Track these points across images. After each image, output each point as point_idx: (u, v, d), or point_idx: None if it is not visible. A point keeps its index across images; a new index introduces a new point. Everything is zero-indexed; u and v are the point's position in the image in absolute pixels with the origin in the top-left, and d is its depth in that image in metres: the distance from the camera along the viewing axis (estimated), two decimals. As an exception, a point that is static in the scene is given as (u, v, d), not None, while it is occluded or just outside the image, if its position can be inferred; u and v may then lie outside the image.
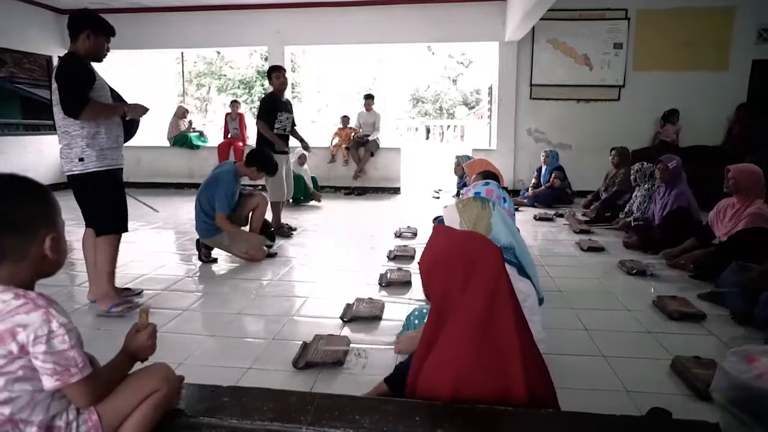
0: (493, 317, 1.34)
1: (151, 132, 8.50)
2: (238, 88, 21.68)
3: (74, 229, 4.87)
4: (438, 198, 7.92)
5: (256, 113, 5.38)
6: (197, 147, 8.89)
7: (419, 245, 4.54)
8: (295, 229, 5.37)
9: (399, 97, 28.91)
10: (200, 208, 4.06)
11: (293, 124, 5.37)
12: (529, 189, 7.42)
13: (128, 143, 3.19)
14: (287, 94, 5.38)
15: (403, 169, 8.71)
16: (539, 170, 7.45)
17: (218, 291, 3.48)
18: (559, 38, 7.82)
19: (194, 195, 4.24)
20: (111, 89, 3.05)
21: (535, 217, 6.10)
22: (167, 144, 8.94)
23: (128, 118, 3.06)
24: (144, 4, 8.20)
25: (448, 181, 8.81)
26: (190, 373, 1.65)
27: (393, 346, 2.47)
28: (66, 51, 2.92)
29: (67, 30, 2.95)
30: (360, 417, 1.39)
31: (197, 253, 4.19)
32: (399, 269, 3.76)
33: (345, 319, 2.86)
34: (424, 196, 8.22)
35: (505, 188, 2.57)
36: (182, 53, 11.96)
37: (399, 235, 5.06)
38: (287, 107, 5.21)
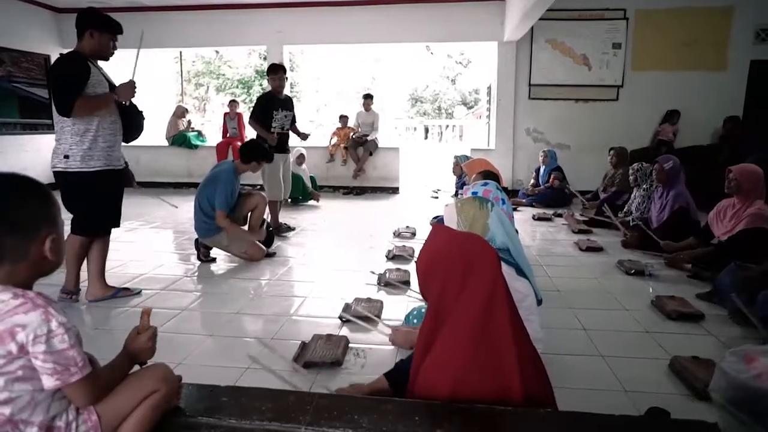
0: (490, 318, 1.34)
1: (150, 131, 8.49)
2: (237, 87, 21.67)
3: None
4: (437, 198, 7.92)
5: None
6: (196, 146, 8.89)
7: (418, 245, 4.53)
8: (293, 229, 5.36)
9: (398, 96, 28.92)
10: (199, 208, 4.05)
11: (293, 121, 5.35)
12: (528, 189, 7.42)
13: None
14: (287, 93, 5.36)
15: (401, 169, 8.71)
16: (538, 170, 7.45)
17: (217, 291, 3.47)
18: (558, 38, 7.83)
19: (193, 194, 4.24)
20: (113, 85, 3.01)
21: (533, 217, 6.10)
22: (166, 143, 8.93)
23: (122, 101, 3.02)
24: (142, 3, 8.20)
25: (446, 181, 8.81)
26: (188, 373, 1.65)
27: (389, 335, 2.46)
28: (69, 50, 2.91)
29: (64, 29, 2.96)
30: (359, 417, 1.39)
31: (196, 252, 4.19)
32: (398, 269, 3.76)
33: (343, 319, 2.86)
34: (423, 195, 8.22)
35: (504, 188, 2.57)
36: (181, 52, 11.96)
37: (398, 234, 5.06)
38: (286, 105, 5.19)
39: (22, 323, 1.10)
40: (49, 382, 1.13)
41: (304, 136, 5.56)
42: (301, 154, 7.20)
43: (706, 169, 5.93)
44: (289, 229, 5.30)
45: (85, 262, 3.19)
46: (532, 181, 7.54)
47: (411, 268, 3.81)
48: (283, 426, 1.38)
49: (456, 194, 7.50)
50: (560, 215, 6.17)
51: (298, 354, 2.38)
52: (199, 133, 9.31)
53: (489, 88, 9.18)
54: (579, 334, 2.71)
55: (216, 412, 1.43)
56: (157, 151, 8.86)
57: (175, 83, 12.60)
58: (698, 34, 7.54)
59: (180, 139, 8.85)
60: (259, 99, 5.32)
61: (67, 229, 3.10)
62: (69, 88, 2.79)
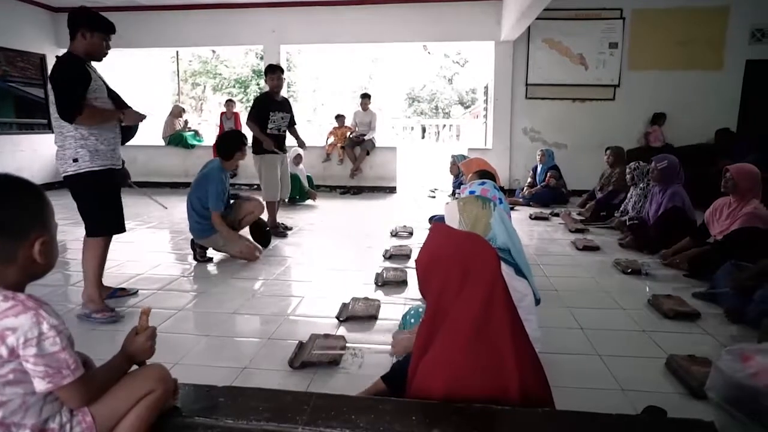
0: (489, 318, 1.34)
1: (147, 131, 8.47)
2: (234, 87, 21.61)
3: (69, 228, 4.87)
4: (434, 197, 7.92)
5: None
6: (192, 146, 8.87)
7: (415, 245, 4.54)
8: (290, 229, 5.36)
9: (395, 96, 28.87)
10: (192, 209, 4.04)
11: (292, 123, 5.34)
12: (525, 188, 7.43)
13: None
14: (284, 94, 5.35)
15: (398, 169, 8.71)
16: (535, 169, 7.46)
17: (213, 291, 3.47)
18: (555, 38, 7.84)
19: (190, 194, 4.23)
20: (109, 90, 2.99)
21: (530, 217, 6.11)
22: (162, 143, 8.91)
23: (124, 124, 3.02)
24: (139, 2, 8.17)
25: (443, 181, 8.81)
26: (185, 373, 1.64)
27: (390, 348, 2.46)
28: (66, 50, 2.85)
29: (60, 29, 2.91)
30: (356, 416, 1.39)
31: (192, 252, 4.18)
32: (395, 269, 3.76)
33: (341, 319, 2.86)
34: (420, 195, 8.22)
35: (501, 188, 2.57)
36: (177, 52, 11.93)
37: (395, 234, 5.05)
38: (282, 106, 5.18)
39: (12, 326, 1.09)
40: (41, 385, 1.12)
41: (302, 145, 5.56)
42: (299, 155, 7.19)
43: (702, 168, 5.96)
44: (287, 228, 5.30)
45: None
46: (529, 180, 7.55)
47: (408, 267, 3.81)
48: (280, 426, 1.37)
49: (453, 194, 7.50)
50: (557, 214, 6.18)
51: (296, 354, 2.38)
52: (196, 133, 9.29)
53: (486, 87, 9.19)
54: (576, 334, 2.71)
55: (213, 413, 1.43)
56: (153, 151, 8.84)
57: (171, 83, 12.57)
58: (694, 33, 7.57)
59: (177, 138, 8.83)
60: (256, 100, 5.30)
61: (74, 230, 3.09)
62: (72, 94, 2.75)
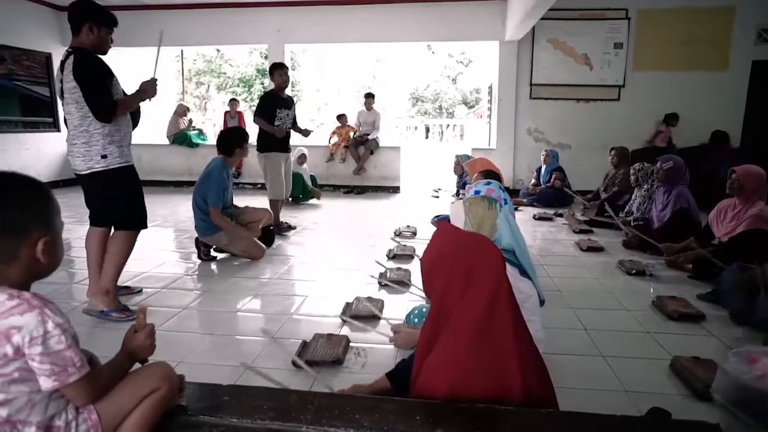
0: (493, 318, 1.34)
1: (151, 130, 8.50)
2: (238, 86, 21.64)
3: (74, 227, 4.88)
4: (437, 197, 7.92)
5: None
6: (196, 145, 8.89)
7: (419, 244, 4.54)
8: (294, 228, 5.36)
9: (399, 96, 28.88)
10: (196, 207, 4.07)
11: (294, 122, 5.35)
12: (529, 188, 7.42)
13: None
14: (288, 92, 5.36)
15: (402, 168, 8.71)
16: (539, 170, 7.45)
17: (217, 289, 3.47)
18: (560, 38, 7.82)
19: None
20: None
21: (534, 217, 6.10)
22: (167, 142, 8.94)
23: (149, 99, 2.99)
24: (144, 1, 8.20)
25: (447, 181, 8.81)
26: (189, 372, 1.65)
27: (390, 337, 2.46)
28: (71, 47, 2.78)
29: (65, 27, 2.86)
30: (360, 416, 1.39)
31: (196, 251, 4.19)
32: (398, 268, 3.76)
33: (344, 318, 2.86)
34: (424, 195, 8.22)
35: (506, 188, 2.57)
36: (182, 51, 11.95)
37: (398, 234, 5.05)
38: (287, 104, 5.19)
39: (17, 325, 1.09)
40: (46, 383, 1.12)
41: (306, 133, 5.52)
42: (303, 154, 7.20)
43: (706, 168, 5.95)
44: (290, 227, 5.30)
45: (87, 260, 3.09)
46: (533, 180, 7.53)
47: (412, 267, 3.81)
48: (284, 425, 1.38)
49: (457, 194, 7.50)
50: (561, 215, 6.16)
51: (299, 353, 2.38)
52: (200, 132, 9.32)
53: (490, 87, 9.17)
54: (580, 334, 2.71)
55: (217, 411, 1.43)
56: (157, 150, 8.86)
57: (176, 82, 12.60)
58: (700, 34, 7.54)
59: (181, 137, 8.85)
60: (262, 97, 5.32)
61: (78, 228, 3.07)
62: (108, 94, 2.74)
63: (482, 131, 11.98)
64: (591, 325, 2.82)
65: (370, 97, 8.62)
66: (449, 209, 1.95)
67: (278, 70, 5.16)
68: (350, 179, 8.54)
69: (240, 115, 9.21)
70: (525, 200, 7.14)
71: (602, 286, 3.55)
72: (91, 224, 3.04)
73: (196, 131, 9.20)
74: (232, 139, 4.20)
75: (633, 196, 5.39)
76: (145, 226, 3.07)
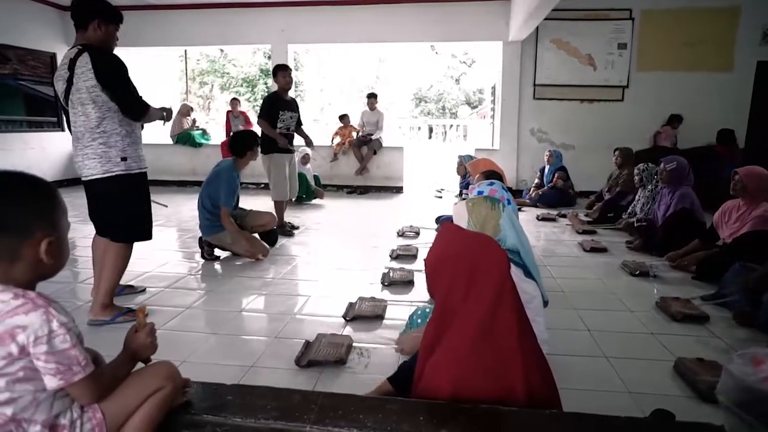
0: (497, 319, 1.34)
1: (155, 129, 8.52)
2: (241, 86, 21.67)
3: (78, 226, 4.89)
4: (440, 197, 7.92)
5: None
6: (200, 145, 8.91)
7: (422, 245, 4.54)
8: (297, 228, 5.37)
9: (402, 96, 28.86)
10: (202, 206, 4.07)
11: (299, 123, 5.36)
12: (532, 189, 7.40)
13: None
14: (291, 93, 5.37)
15: (405, 169, 8.71)
16: (542, 170, 7.43)
17: (221, 289, 3.48)
18: (563, 38, 7.81)
19: (197, 193, 4.26)
20: None
21: (537, 218, 6.09)
22: (170, 141, 8.96)
23: (163, 121, 3.01)
24: (148, 1, 8.21)
25: (450, 181, 8.80)
26: (192, 371, 1.65)
27: (395, 346, 2.47)
28: (79, 44, 2.67)
29: (70, 27, 2.79)
30: (364, 416, 1.39)
31: (200, 250, 4.20)
32: (402, 269, 3.76)
33: (347, 318, 2.86)
34: (427, 195, 8.22)
35: (509, 188, 2.56)
36: (185, 51, 11.96)
37: (402, 234, 5.05)
38: (291, 106, 5.20)
39: (22, 324, 1.09)
40: (52, 382, 1.13)
41: (310, 143, 5.58)
42: (307, 154, 7.21)
43: (710, 169, 5.93)
44: (293, 227, 5.31)
45: (93, 265, 3.07)
46: (536, 181, 7.52)
47: (415, 267, 3.81)
48: (288, 425, 1.38)
49: (460, 194, 7.49)
50: (564, 215, 6.15)
51: (302, 353, 2.38)
52: (204, 132, 9.33)
53: (493, 88, 9.16)
54: (583, 335, 2.70)
55: (221, 411, 1.44)
56: (161, 150, 8.87)
57: (179, 82, 12.62)
58: (704, 34, 7.51)
59: (184, 137, 8.87)
60: (265, 99, 5.32)
61: (83, 227, 3.05)
62: (137, 92, 2.70)
63: (485, 132, 11.96)
64: (594, 326, 2.81)
65: (372, 97, 8.62)
66: (452, 210, 1.95)
67: (282, 72, 5.17)
68: (354, 179, 8.54)
69: (244, 114, 9.21)
70: (528, 201, 7.13)
71: (605, 287, 3.55)
72: (102, 234, 2.92)
73: (200, 131, 9.22)
74: (245, 141, 4.22)
75: (637, 197, 5.38)
76: (151, 237, 2.98)
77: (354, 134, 8.58)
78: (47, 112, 8.32)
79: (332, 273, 3.85)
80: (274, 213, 4.82)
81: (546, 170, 7.32)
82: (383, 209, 7.01)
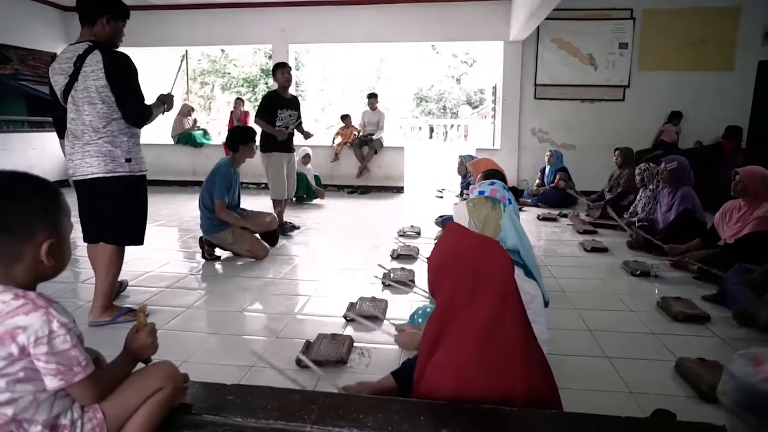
0: (501, 322, 1.34)
1: (156, 129, 8.53)
2: (242, 86, 21.69)
3: (79, 225, 4.89)
4: (441, 197, 7.91)
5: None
6: (201, 145, 8.92)
7: (423, 245, 4.54)
8: (298, 228, 5.37)
9: (403, 96, 28.86)
10: (203, 204, 4.08)
11: (299, 123, 5.35)
12: (533, 189, 7.40)
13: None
14: (292, 92, 5.36)
15: (406, 169, 8.71)
16: (543, 170, 7.43)
17: (221, 289, 3.48)
18: (564, 38, 7.81)
19: (198, 192, 4.26)
20: None
21: (538, 217, 6.08)
22: (171, 142, 8.97)
23: (164, 112, 2.96)
24: (149, 1, 8.22)
25: (451, 181, 8.80)
26: (193, 371, 1.65)
27: (394, 335, 2.46)
28: (88, 40, 2.62)
29: (71, 27, 2.80)
30: (364, 416, 1.39)
31: (201, 250, 4.20)
32: (402, 268, 3.76)
33: (348, 318, 2.86)
34: (428, 195, 8.22)
35: (513, 188, 2.56)
36: (186, 51, 11.97)
37: (402, 234, 5.05)
38: (291, 105, 5.18)
39: (22, 325, 1.09)
40: (52, 382, 1.12)
41: (307, 135, 5.54)
42: (307, 154, 7.21)
43: (710, 169, 5.93)
44: (294, 227, 5.31)
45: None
46: (537, 181, 7.52)
47: (416, 267, 3.81)
48: (288, 425, 1.38)
49: (461, 194, 7.49)
50: (565, 215, 6.15)
51: (303, 352, 2.38)
52: (205, 132, 9.34)
53: (494, 87, 9.16)
54: (584, 335, 2.70)
55: (222, 411, 1.44)
56: (162, 150, 8.88)
57: (180, 81, 12.63)
58: (705, 34, 7.51)
59: (185, 137, 8.88)
60: (264, 97, 5.32)
61: (77, 233, 2.99)
62: (142, 98, 2.67)
63: (486, 131, 11.97)
64: (595, 326, 2.81)
65: (373, 97, 8.62)
66: (453, 210, 1.95)
67: (280, 69, 5.17)
68: (354, 179, 8.53)
69: (246, 114, 9.22)
70: (529, 201, 7.13)
71: (606, 287, 3.54)
72: (90, 238, 2.87)
73: (201, 131, 9.23)
74: (237, 136, 4.23)
75: (638, 197, 5.37)
76: (143, 242, 2.94)
77: (355, 134, 8.58)
78: (48, 113, 8.29)
79: (333, 273, 3.85)
80: (275, 214, 4.82)
81: (547, 170, 7.31)
82: (384, 209, 7.01)
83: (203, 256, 4.16)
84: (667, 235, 4.35)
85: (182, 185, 8.79)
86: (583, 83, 7.88)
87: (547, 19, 6.76)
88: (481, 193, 2.14)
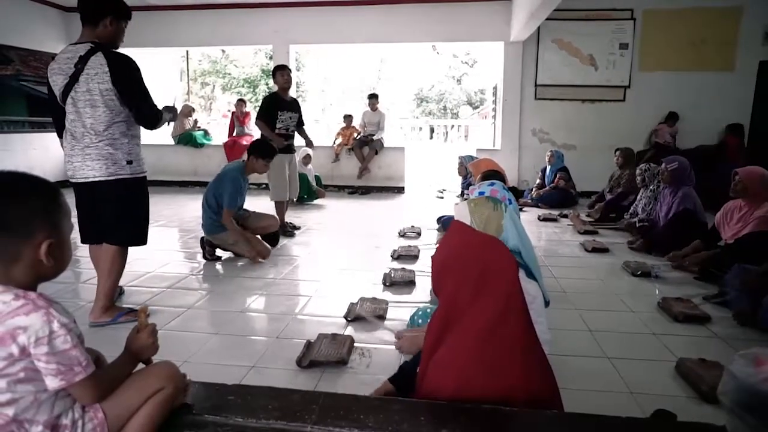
0: (504, 323, 1.34)
1: (156, 130, 8.52)
2: (243, 86, 21.71)
3: (76, 225, 4.90)
4: (442, 198, 7.91)
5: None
6: (201, 145, 8.91)
7: (423, 245, 4.54)
8: (298, 228, 5.37)
9: (403, 96, 28.87)
10: (207, 205, 4.08)
11: (300, 124, 5.35)
12: (533, 189, 7.40)
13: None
14: (292, 93, 5.36)
15: (407, 169, 8.71)
16: (543, 171, 7.42)
17: (222, 289, 3.48)
18: (565, 38, 7.80)
19: (198, 193, 4.26)
20: None
21: (539, 218, 6.08)
22: (171, 142, 8.97)
23: (168, 122, 2.99)
24: (149, 2, 8.22)
25: (452, 181, 8.80)
26: (194, 371, 1.65)
27: (395, 342, 2.46)
28: (89, 40, 2.61)
29: (72, 28, 2.80)
30: (365, 416, 1.39)
31: (201, 251, 4.20)
32: (403, 269, 3.76)
33: (348, 319, 2.86)
34: (428, 195, 8.22)
35: (514, 188, 2.55)
36: (187, 51, 12.00)
37: (403, 234, 5.05)
38: (291, 106, 5.19)
39: (23, 325, 1.09)
40: (53, 382, 1.13)
41: (310, 144, 5.59)
42: (308, 155, 7.21)
43: (711, 169, 5.93)
44: (295, 228, 5.31)
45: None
46: (537, 181, 7.51)
47: (416, 267, 3.81)
48: (289, 425, 1.38)
49: (461, 194, 7.49)
50: (566, 216, 6.14)
51: (304, 353, 2.38)
52: (206, 132, 9.34)
53: (495, 88, 9.16)
54: (584, 336, 2.70)
55: (222, 411, 1.44)
56: (162, 150, 8.89)
57: (181, 82, 12.64)
58: (706, 34, 7.50)
59: (186, 138, 8.88)
60: (264, 99, 5.32)
61: (77, 233, 3.00)
62: (152, 101, 2.67)
63: (487, 132, 11.97)
64: (596, 326, 2.81)
65: (373, 97, 8.62)
66: (454, 210, 1.95)
67: (280, 71, 5.17)
68: (355, 180, 8.53)
69: (246, 115, 9.22)
70: (529, 201, 7.12)
71: (607, 287, 3.54)
72: (89, 240, 2.88)
73: (201, 131, 9.22)
74: (253, 147, 4.26)
75: (638, 197, 5.37)
76: (146, 242, 2.94)
77: (355, 135, 8.58)
78: (49, 113, 8.32)
79: (333, 273, 3.85)
80: (276, 215, 4.82)
81: (547, 171, 7.31)
82: (384, 210, 7.01)
83: (204, 257, 4.16)
84: (667, 235, 4.35)
85: (183, 186, 8.79)
86: (583, 84, 7.87)
87: (547, 19, 6.76)
88: (481, 193, 2.14)
